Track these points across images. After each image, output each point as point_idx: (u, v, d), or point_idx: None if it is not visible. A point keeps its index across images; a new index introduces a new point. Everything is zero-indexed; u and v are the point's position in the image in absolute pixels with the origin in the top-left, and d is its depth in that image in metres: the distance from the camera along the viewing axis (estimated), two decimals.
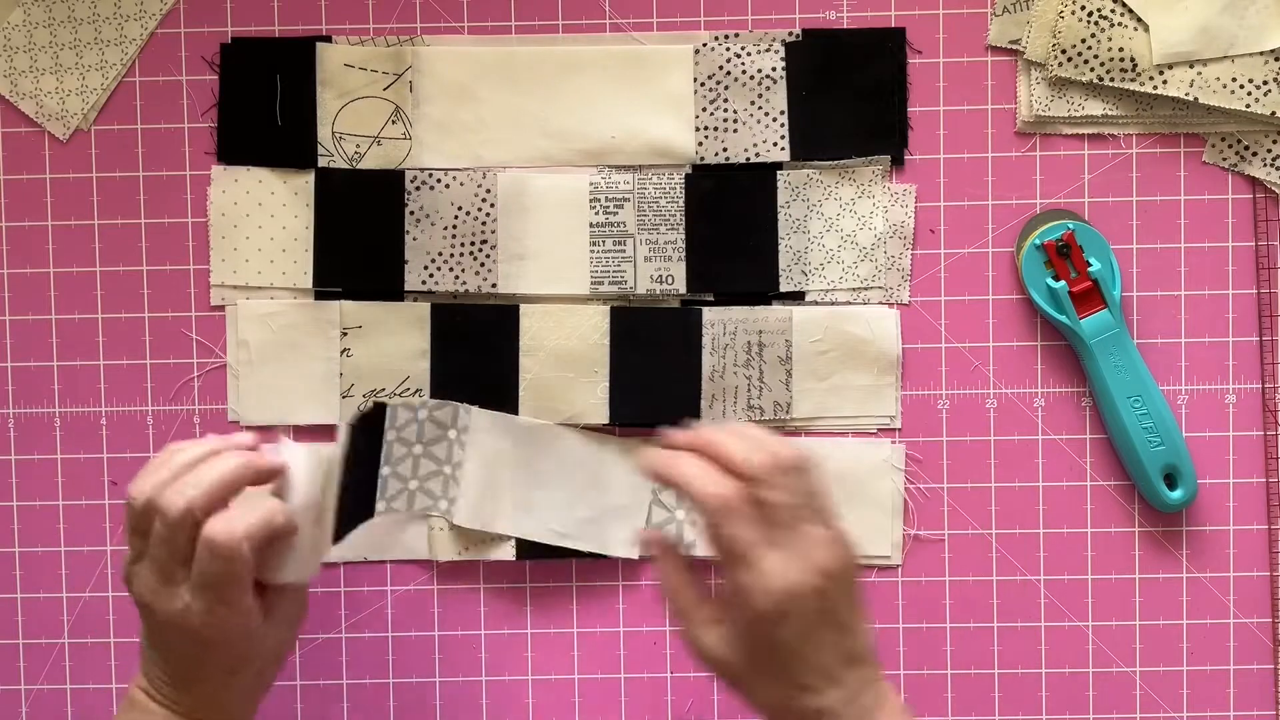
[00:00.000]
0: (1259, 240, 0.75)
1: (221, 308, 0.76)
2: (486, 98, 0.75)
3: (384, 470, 0.71)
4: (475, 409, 0.74)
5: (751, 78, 0.75)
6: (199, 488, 0.57)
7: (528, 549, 0.75)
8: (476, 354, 0.75)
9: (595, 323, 0.75)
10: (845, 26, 0.75)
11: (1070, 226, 0.73)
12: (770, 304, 0.75)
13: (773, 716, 0.59)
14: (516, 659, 0.76)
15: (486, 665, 0.76)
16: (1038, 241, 0.73)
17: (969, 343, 0.75)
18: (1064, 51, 0.73)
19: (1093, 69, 0.73)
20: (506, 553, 0.75)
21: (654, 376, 0.75)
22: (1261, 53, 0.73)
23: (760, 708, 0.59)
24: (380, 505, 0.70)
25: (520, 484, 0.74)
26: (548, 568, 0.76)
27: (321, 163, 0.75)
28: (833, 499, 0.59)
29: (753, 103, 0.75)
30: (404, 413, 0.72)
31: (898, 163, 0.75)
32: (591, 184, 0.75)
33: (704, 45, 0.75)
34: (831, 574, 0.57)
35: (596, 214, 0.75)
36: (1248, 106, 0.73)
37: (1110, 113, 0.74)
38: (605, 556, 0.75)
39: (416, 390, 0.75)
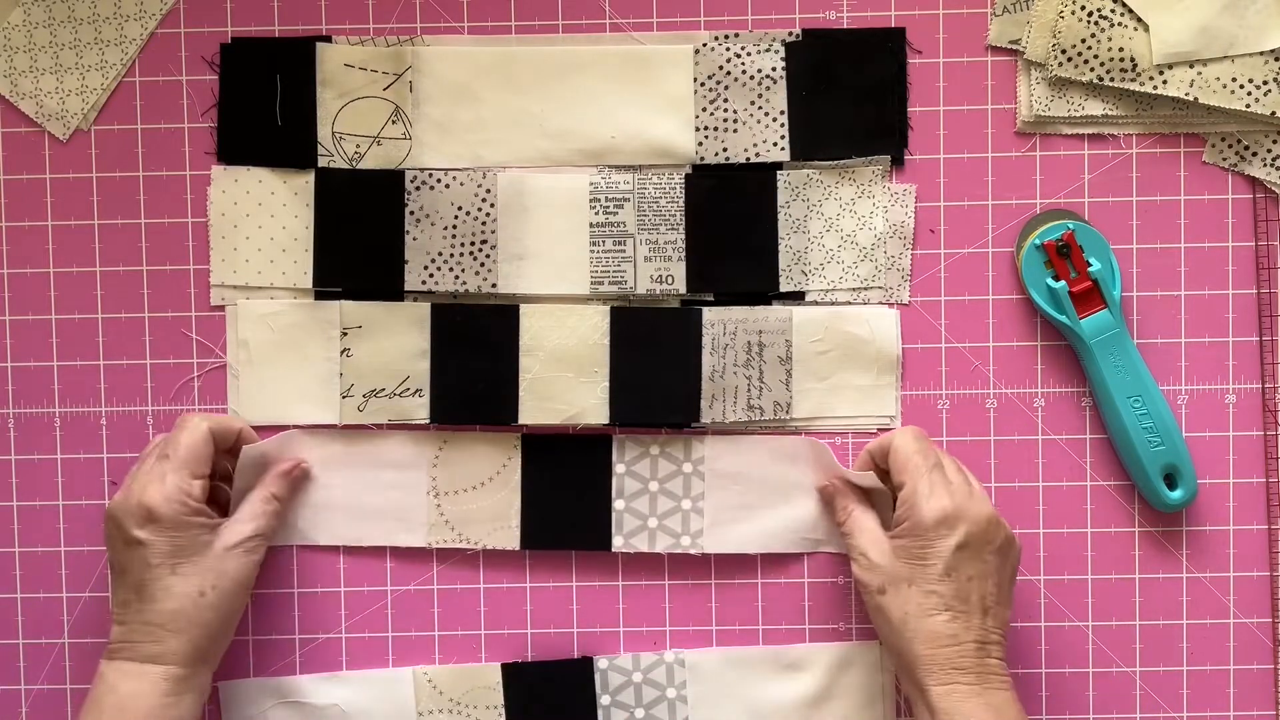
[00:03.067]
0: (1259, 240, 0.75)
1: (221, 308, 0.76)
2: (486, 98, 0.75)
3: (618, 504, 0.74)
4: (709, 438, 0.75)
5: (751, 78, 0.75)
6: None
7: (531, 539, 0.75)
8: (476, 354, 0.75)
9: (595, 323, 0.75)
10: (845, 26, 0.75)
11: (1070, 226, 0.73)
12: (770, 304, 0.75)
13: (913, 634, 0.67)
14: (517, 658, 0.76)
15: (485, 663, 0.76)
16: (1038, 241, 0.73)
17: (969, 343, 0.75)
18: (1064, 51, 0.73)
19: (1093, 69, 0.73)
20: (510, 541, 0.75)
21: (654, 376, 0.75)
22: (1261, 53, 0.73)
23: (896, 620, 0.67)
24: (618, 541, 0.75)
25: (758, 501, 0.75)
26: (548, 567, 0.76)
27: (321, 163, 0.75)
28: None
29: (753, 103, 0.75)
30: (633, 447, 0.75)
31: (898, 163, 0.75)
32: (591, 184, 0.75)
33: (704, 45, 0.75)
34: (1000, 529, 0.67)
35: (596, 214, 0.75)
36: (1248, 106, 0.73)
37: (1110, 113, 0.74)
38: (608, 552, 0.75)
39: (416, 390, 0.75)
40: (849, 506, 0.72)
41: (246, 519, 0.71)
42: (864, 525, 0.70)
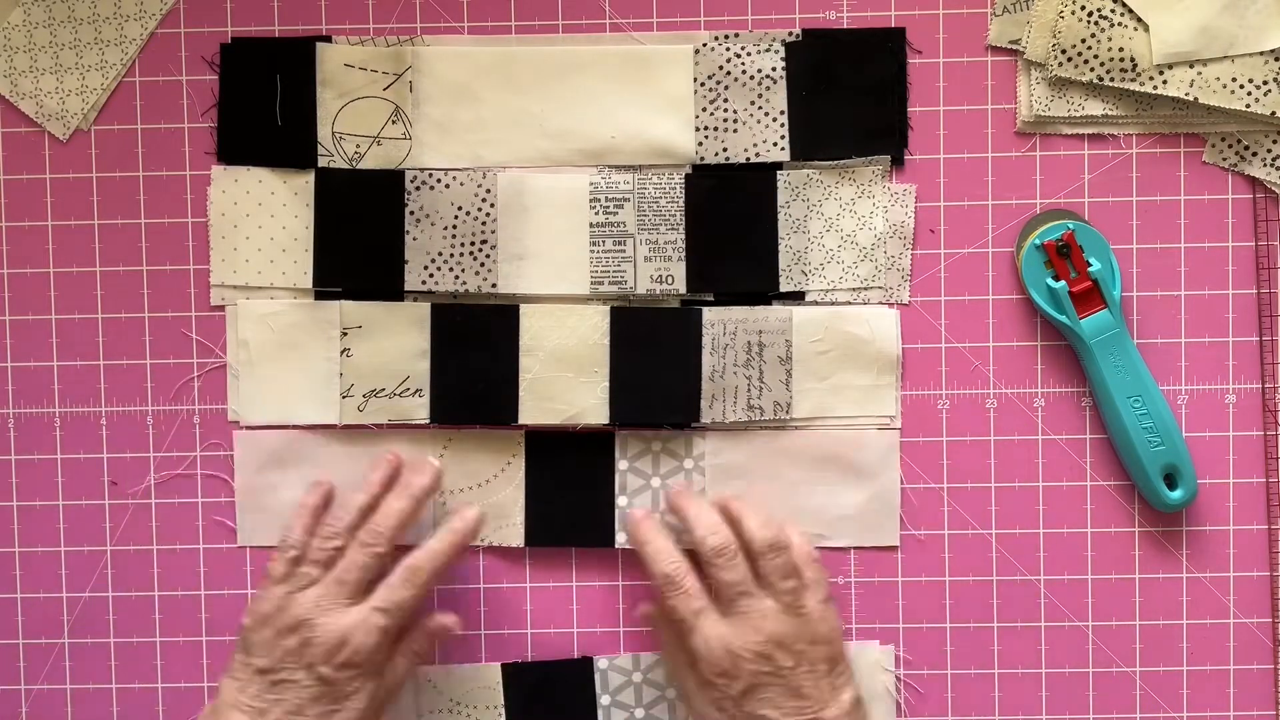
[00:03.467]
0: (1259, 240, 0.75)
1: (221, 308, 0.76)
2: (486, 98, 0.75)
3: (621, 501, 0.75)
4: (710, 434, 0.75)
5: (751, 78, 0.75)
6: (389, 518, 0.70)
7: (535, 537, 0.75)
8: (476, 354, 0.75)
9: (595, 323, 0.75)
10: (845, 26, 0.75)
11: (1070, 226, 0.73)
12: (770, 304, 0.75)
13: None
14: (516, 658, 0.76)
15: (486, 663, 0.76)
16: (1038, 241, 0.73)
17: (969, 343, 0.75)
18: (1064, 51, 0.73)
19: (1093, 69, 0.73)
20: (514, 538, 0.75)
21: (654, 376, 0.75)
22: (1261, 53, 0.73)
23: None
24: (621, 538, 0.75)
25: (758, 497, 0.75)
26: (549, 567, 0.76)
27: (321, 163, 0.75)
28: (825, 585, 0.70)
29: (753, 103, 0.75)
30: (635, 444, 0.75)
31: (898, 163, 0.75)
32: (591, 184, 0.75)
33: (704, 45, 0.75)
34: (783, 643, 0.68)
35: (596, 214, 0.75)
36: (1248, 106, 0.73)
37: (1110, 113, 0.74)
38: (608, 550, 0.75)
39: (416, 390, 0.75)
40: (667, 638, 0.73)
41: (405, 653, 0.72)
42: (685, 674, 0.72)
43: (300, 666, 0.66)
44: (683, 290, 0.75)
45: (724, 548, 0.69)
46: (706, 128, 0.75)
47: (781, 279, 0.75)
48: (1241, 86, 0.73)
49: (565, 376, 0.75)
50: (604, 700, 0.75)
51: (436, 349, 0.75)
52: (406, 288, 0.75)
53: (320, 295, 0.76)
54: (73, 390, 0.76)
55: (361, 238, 0.75)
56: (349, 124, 0.75)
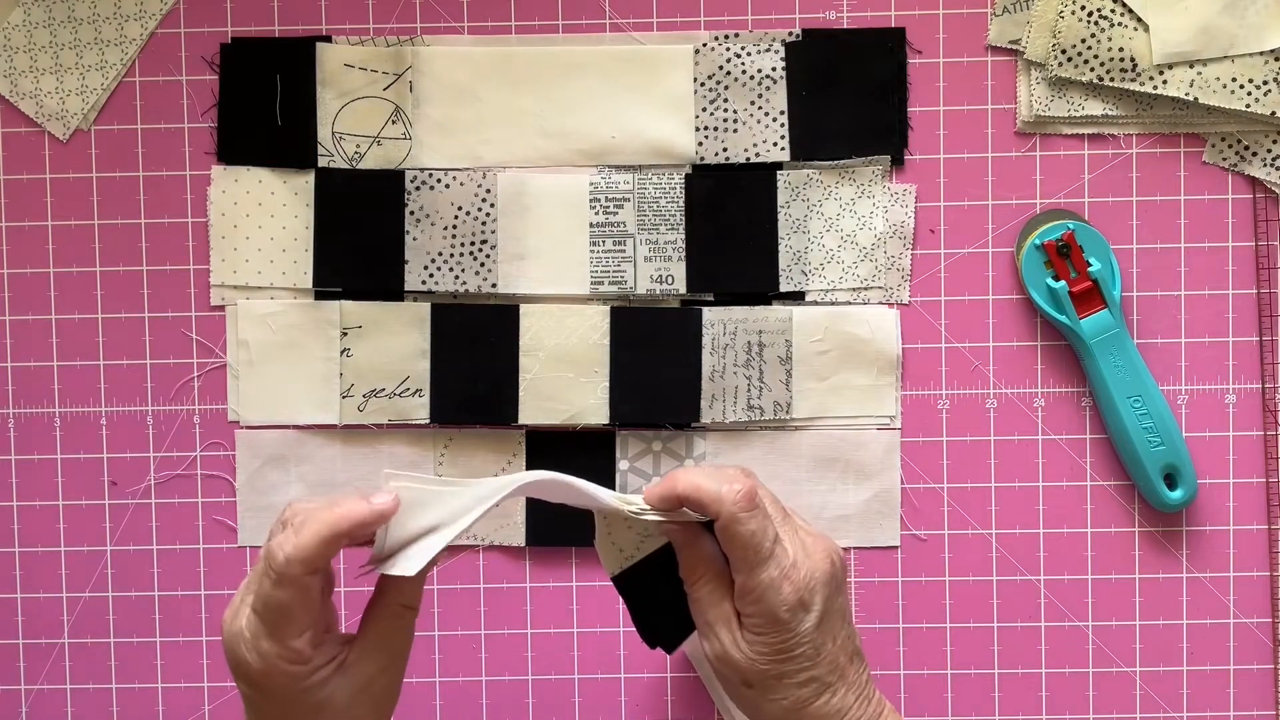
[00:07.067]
0: (1259, 240, 0.75)
1: (221, 308, 0.76)
2: (486, 98, 0.75)
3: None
4: (710, 433, 0.75)
5: (751, 78, 0.75)
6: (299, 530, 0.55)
7: (537, 536, 0.75)
8: (476, 354, 0.75)
9: (595, 323, 0.75)
10: (845, 26, 0.75)
11: (1070, 226, 0.73)
12: (770, 304, 0.75)
13: None
14: (516, 659, 0.76)
15: (486, 665, 0.76)
16: (1038, 241, 0.73)
17: (969, 343, 0.75)
18: (1064, 51, 0.73)
19: (1093, 69, 0.73)
20: (516, 538, 0.75)
21: (654, 376, 0.75)
22: (1261, 53, 0.73)
23: (772, 716, 0.59)
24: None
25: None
26: (549, 567, 0.76)
27: (321, 163, 0.75)
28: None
29: (753, 103, 0.75)
30: (636, 443, 0.75)
31: (898, 163, 0.75)
32: (591, 184, 0.75)
33: (704, 45, 0.75)
34: (836, 563, 0.60)
35: (596, 214, 0.75)
36: (1248, 106, 0.73)
37: (1110, 113, 0.74)
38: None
39: (416, 390, 0.75)
40: (701, 569, 0.60)
41: (373, 647, 0.58)
42: (722, 610, 0.59)
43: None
44: (683, 290, 0.75)
45: (751, 491, 0.58)
46: (706, 128, 0.75)
47: (781, 279, 0.75)
48: (1241, 86, 0.73)
49: (565, 376, 0.75)
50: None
51: (436, 349, 0.75)
52: (406, 288, 0.75)
53: (320, 295, 0.76)
54: (73, 390, 0.76)
55: (361, 238, 0.75)
56: (349, 124, 0.75)
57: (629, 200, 0.75)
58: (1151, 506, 0.74)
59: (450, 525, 0.57)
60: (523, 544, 0.76)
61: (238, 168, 0.76)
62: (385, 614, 0.59)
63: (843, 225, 0.75)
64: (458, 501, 0.57)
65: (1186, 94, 0.73)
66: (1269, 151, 0.74)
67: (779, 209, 0.75)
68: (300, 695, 0.56)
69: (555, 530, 0.76)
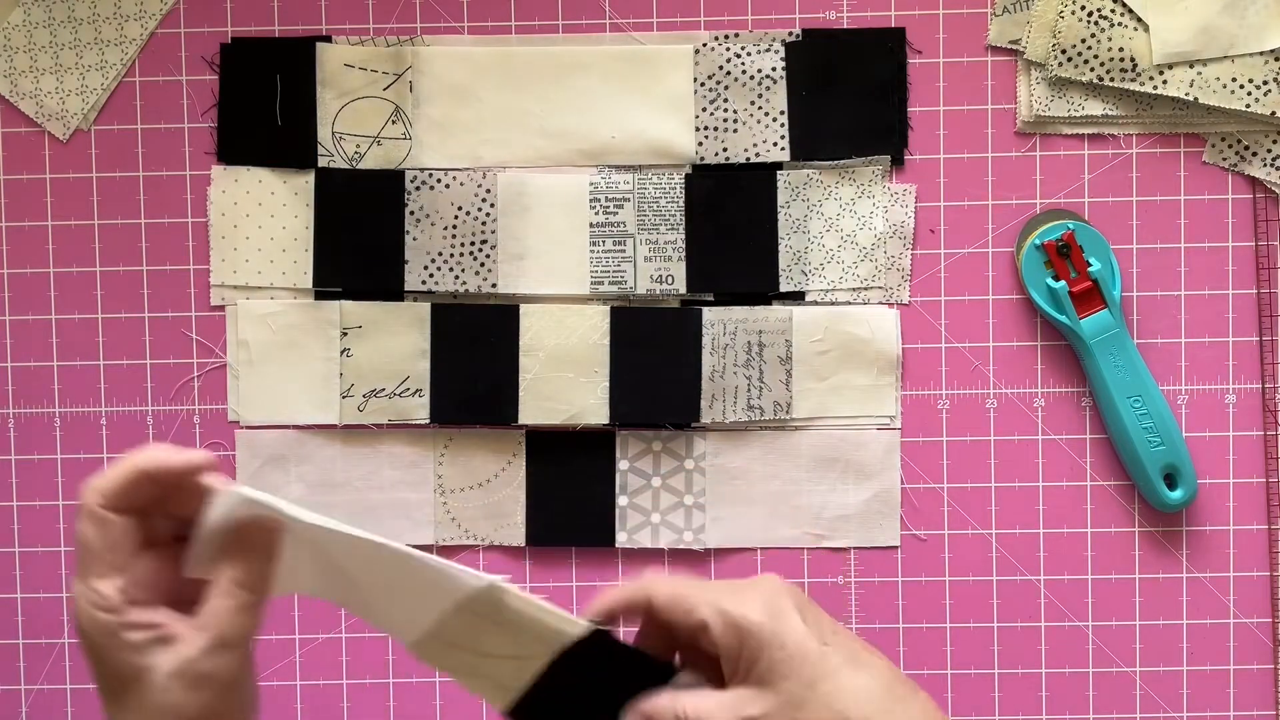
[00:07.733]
0: (1259, 240, 0.75)
1: (221, 308, 0.76)
2: (486, 98, 0.75)
3: (621, 501, 0.75)
4: (710, 434, 0.75)
5: (751, 78, 0.75)
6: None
7: (536, 536, 0.75)
8: (476, 354, 0.75)
9: (595, 323, 0.75)
10: (845, 26, 0.75)
11: (1070, 226, 0.73)
12: (770, 304, 0.75)
13: None
14: None
15: None
16: (1038, 241, 0.73)
17: (969, 343, 0.75)
18: (1064, 51, 0.73)
19: (1093, 69, 0.73)
20: (515, 538, 0.75)
21: (654, 376, 0.75)
22: (1261, 53, 0.73)
23: None
24: (622, 537, 0.75)
25: (759, 497, 0.76)
26: (549, 565, 0.76)
27: (321, 163, 0.75)
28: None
29: (753, 103, 0.75)
30: (635, 444, 0.75)
31: (898, 163, 0.75)
32: (591, 184, 0.75)
33: (704, 45, 0.75)
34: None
35: (596, 214, 0.75)
36: (1248, 106, 0.73)
37: (1110, 113, 0.74)
38: (609, 549, 0.75)
39: (416, 390, 0.75)
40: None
41: (198, 624, 0.51)
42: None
43: None
44: (683, 290, 0.75)
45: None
46: (706, 128, 0.75)
47: (781, 279, 0.75)
48: (1241, 86, 0.73)
49: (565, 376, 0.75)
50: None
51: (436, 349, 0.75)
52: (406, 288, 0.75)
53: (320, 295, 0.76)
54: (73, 390, 0.76)
55: (361, 238, 0.75)
56: (349, 124, 0.75)
57: (629, 200, 0.75)
58: (1151, 506, 0.74)
59: (306, 516, 0.51)
60: (523, 544, 0.76)
61: (238, 168, 0.76)
62: (216, 590, 0.51)
63: (843, 225, 0.75)
64: (305, 514, 0.51)
65: (1186, 94, 0.73)
66: (1269, 151, 0.74)
67: (779, 209, 0.75)
68: (115, 652, 0.52)
69: (555, 530, 0.76)
